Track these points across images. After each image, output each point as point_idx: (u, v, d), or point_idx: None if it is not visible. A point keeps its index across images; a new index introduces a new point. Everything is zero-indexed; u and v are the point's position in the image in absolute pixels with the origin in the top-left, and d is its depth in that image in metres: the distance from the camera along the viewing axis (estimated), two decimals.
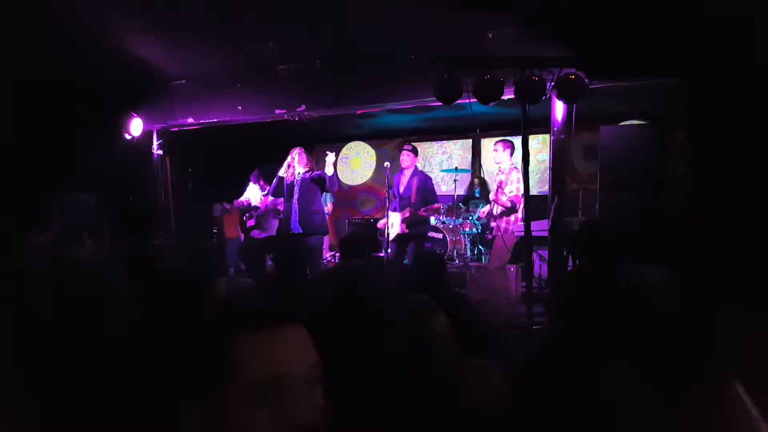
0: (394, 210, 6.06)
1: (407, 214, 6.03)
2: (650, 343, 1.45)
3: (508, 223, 5.68)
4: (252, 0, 4.68)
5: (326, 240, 7.90)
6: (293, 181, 5.48)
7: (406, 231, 6.07)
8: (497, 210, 5.73)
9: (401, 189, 6.04)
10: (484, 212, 6.01)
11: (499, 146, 5.78)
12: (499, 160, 5.80)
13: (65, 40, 5.19)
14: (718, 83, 3.85)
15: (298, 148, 5.60)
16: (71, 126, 5.96)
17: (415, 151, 6.06)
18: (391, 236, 5.98)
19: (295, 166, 5.45)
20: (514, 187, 5.60)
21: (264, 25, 5.09)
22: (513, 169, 5.69)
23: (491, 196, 5.88)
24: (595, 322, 1.54)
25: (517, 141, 4.84)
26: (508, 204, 5.58)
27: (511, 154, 5.76)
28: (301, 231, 5.43)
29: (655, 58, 4.06)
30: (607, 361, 1.37)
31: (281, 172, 5.51)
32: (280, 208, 5.96)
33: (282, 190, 5.52)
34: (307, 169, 5.46)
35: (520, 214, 5.57)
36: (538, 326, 4.20)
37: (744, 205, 3.66)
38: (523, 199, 5.46)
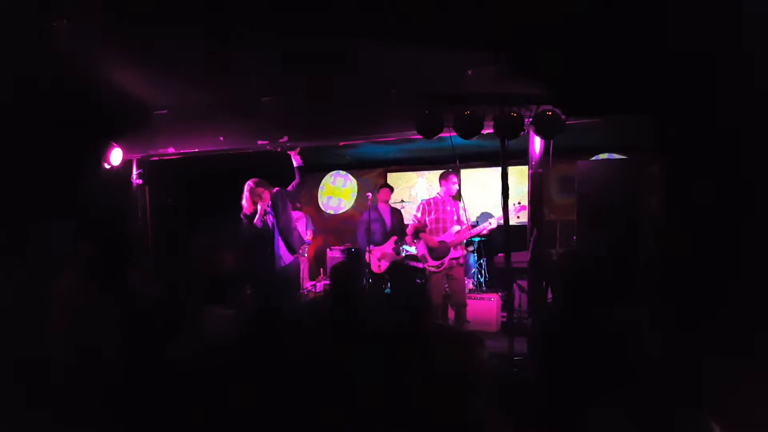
0: (376, 243, 6.21)
1: (393, 245, 6.25)
2: (632, 382, 1.50)
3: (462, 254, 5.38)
4: (235, 33, 4.74)
5: (305, 268, 7.88)
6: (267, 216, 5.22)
7: (395, 259, 6.26)
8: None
9: (387, 222, 6.33)
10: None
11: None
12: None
13: (46, 69, 5.18)
14: (688, 118, 4.00)
15: (250, 182, 5.19)
16: (50, 154, 5.90)
17: (392, 189, 6.82)
18: (383, 267, 6.18)
19: (264, 206, 5.19)
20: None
21: (247, 58, 5.15)
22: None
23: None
24: (578, 361, 1.58)
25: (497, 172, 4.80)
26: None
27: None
28: (292, 257, 5.36)
29: (628, 96, 4.21)
30: (592, 400, 1.41)
31: (257, 220, 5.16)
32: None
33: (261, 237, 5.23)
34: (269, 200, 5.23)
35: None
36: (519, 357, 4.25)
37: (719, 237, 3.77)
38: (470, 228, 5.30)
